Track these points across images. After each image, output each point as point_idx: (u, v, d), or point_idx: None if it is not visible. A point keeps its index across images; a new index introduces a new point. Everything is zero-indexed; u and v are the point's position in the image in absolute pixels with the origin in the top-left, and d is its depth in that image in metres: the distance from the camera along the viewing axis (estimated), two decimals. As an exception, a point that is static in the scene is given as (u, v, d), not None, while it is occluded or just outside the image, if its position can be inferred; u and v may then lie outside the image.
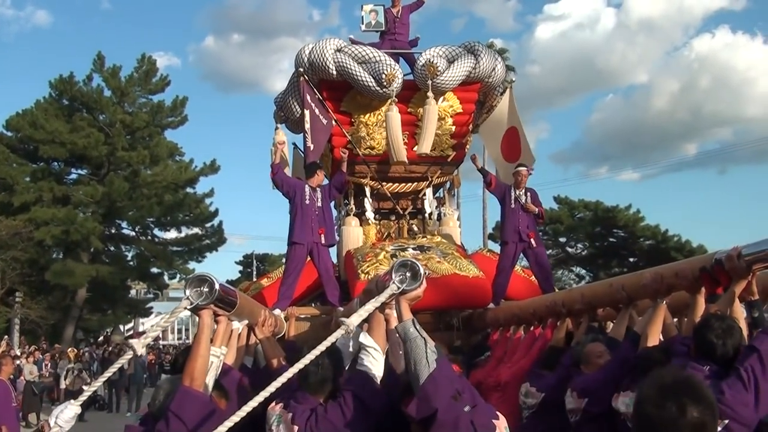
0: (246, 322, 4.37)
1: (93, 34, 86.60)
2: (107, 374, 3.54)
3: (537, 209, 8.22)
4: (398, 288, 3.01)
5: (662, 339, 4.27)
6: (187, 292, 3.10)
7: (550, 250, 39.01)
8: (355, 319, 3.03)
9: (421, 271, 3.05)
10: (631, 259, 35.37)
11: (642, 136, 76.42)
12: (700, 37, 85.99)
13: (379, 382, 3.29)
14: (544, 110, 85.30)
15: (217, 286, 3.12)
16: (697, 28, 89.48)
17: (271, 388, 2.80)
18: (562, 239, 38.70)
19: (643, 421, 1.89)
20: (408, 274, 3.05)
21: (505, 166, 9.16)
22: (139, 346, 3.02)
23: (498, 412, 3.29)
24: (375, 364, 3.29)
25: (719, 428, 2.79)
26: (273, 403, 3.34)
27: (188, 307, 3.09)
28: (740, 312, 3.67)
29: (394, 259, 7.92)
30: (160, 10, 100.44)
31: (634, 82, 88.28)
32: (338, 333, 3.02)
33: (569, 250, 39.27)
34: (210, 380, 3.56)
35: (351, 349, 3.59)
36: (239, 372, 4.02)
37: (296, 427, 3.13)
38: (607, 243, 37.16)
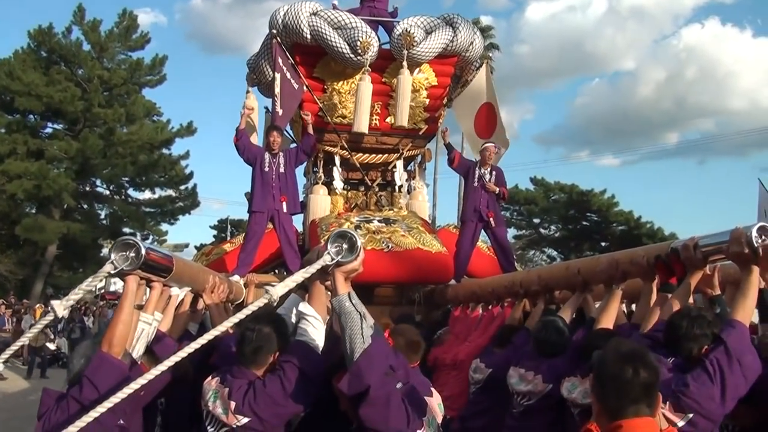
0: (188, 288, 4.26)
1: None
2: (26, 337, 3.43)
3: (498, 189, 8.10)
4: (332, 259, 2.89)
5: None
6: (112, 256, 2.98)
7: (524, 231, 39.25)
8: (280, 290, 2.94)
9: (359, 243, 2.93)
10: (603, 244, 35.59)
11: (625, 123, 76.76)
12: (689, 27, 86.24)
13: (320, 352, 3.20)
14: (529, 91, 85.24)
15: (143, 252, 3.00)
16: (687, 18, 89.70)
17: (182, 352, 2.70)
18: (536, 220, 38.88)
19: (604, 379, 2.35)
20: (345, 246, 2.93)
21: (477, 141, 9.06)
22: (60, 308, 2.89)
23: (432, 389, 3.22)
24: (315, 333, 3.19)
25: (682, 423, 2.76)
26: (210, 377, 3.24)
27: (112, 272, 2.97)
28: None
29: (358, 230, 7.86)
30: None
31: (621, 68, 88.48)
32: (260, 302, 2.92)
33: (542, 231, 39.47)
34: (141, 347, 3.47)
35: (293, 319, 3.49)
36: (174, 339, 3.91)
37: (233, 403, 3.01)
38: (580, 226, 37.39)
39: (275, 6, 8.95)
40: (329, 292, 3.17)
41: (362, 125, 8.73)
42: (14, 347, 3.17)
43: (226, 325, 2.95)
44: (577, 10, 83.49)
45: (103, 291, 34.24)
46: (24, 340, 3.47)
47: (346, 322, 2.80)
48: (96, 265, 34.97)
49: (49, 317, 3.06)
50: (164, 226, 34.05)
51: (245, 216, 8.01)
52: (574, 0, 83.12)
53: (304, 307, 3.23)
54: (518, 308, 5.59)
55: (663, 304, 3.59)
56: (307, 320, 3.18)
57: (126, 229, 33.14)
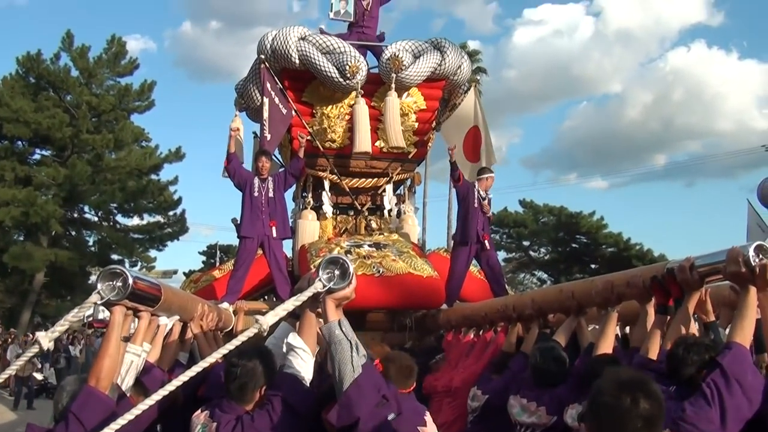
0: (177, 317, 4.17)
1: (69, 14, 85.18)
2: (12, 368, 3.33)
3: (491, 213, 8.17)
4: (324, 286, 2.82)
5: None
6: (99, 285, 2.89)
7: (513, 254, 39.26)
8: (270, 318, 2.86)
9: (351, 269, 2.86)
10: (593, 266, 35.59)
11: (613, 145, 77.24)
12: (675, 50, 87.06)
13: (308, 385, 3.12)
14: (517, 114, 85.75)
15: (130, 281, 2.91)
16: (674, 41, 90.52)
17: (170, 386, 2.62)
18: (526, 243, 38.88)
19: (599, 410, 2.13)
20: (337, 272, 2.86)
21: (466, 165, 9.03)
22: (45, 340, 2.81)
23: (426, 418, 3.14)
24: (303, 366, 3.10)
25: None
26: (199, 411, 3.16)
27: (98, 302, 2.88)
28: (695, 329, 3.56)
29: (348, 255, 7.79)
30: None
31: (608, 91, 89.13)
32: (250, 332, 2.85)
33: (532, 253, 39.45)
34: (130, 379, 3.38)
35: (284, 350, 3.41)
36: (162, 371, 3.82)
37: None
38: (569, 248, 37.39)
39: (264, 32, 8.96)
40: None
41: (364, 145, 8.71)
42: (0, 378, 3.08)
43: (215, 356, 2.87)
44: (564, 34, 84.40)
45: (90, 319, 33.77)
46: (10, 371, 3.37)
47: (336, 350, 2.73)
48: (84, 293, 34.45)
49: (35, 349, 2.98)
50: (153, 253, 33.73)
51: (234, 242, 7.96)
52: (560, 24, 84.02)
53: (293, 338, 3.15)
54: (513, 333, 5.51)
55: (661, 326, 3.53)
56: (296, 352, 3.10)
57: (114, 256, 32.84)
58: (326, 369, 3.26)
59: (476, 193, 8.07)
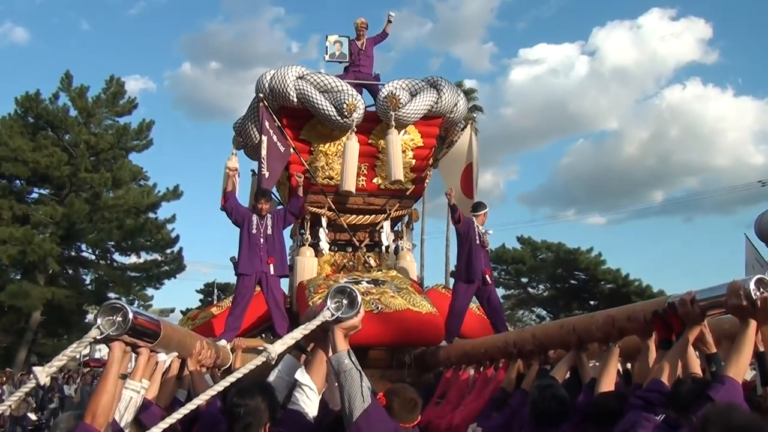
0: (175, 354, 4.15)
1: (69, 55, 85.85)
2: (6, 405, 3.30)
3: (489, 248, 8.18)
4: (332, 315, 2.82)
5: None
6: (99, 320, 2.88)
7: (512, 290, 39.16)
8: (277, 347, 2.85)
9: (359, 298, 2.86)
10: (592, 302, 35.47)
11: (610, 182, 77.38)
12: (671, 88, 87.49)
13: (312, 422, 3.09)
14: (515, 151, 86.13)
15: (130, 316, 2.89)
16: (669, 79, 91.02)
17: (170, 419, 2.60)
18: (524, 279, 38.80)
19: None
20: (344, 301, 2.86)
21: (464, 201, 9.06)
22: (43, 375, 2.79)
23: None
24: (309, 403, 3.08)
25: None
26: None
27: (98, 337, 2.87)
28: (695, 360, 3.55)
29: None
30: (139, 35, 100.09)
31: (605, 128, 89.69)
32: (258, 360, 2.84)
33: (531, 290, 39.35)
34: (129, 416, 3.35)
35: (288, 385, 3.39)
36: (160, 408, 3.79)
37: None
38: (568, 285, 37.33)
39: (262, 72, 9.06)
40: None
41: (349, 184, 8.74)
42: None
43: (223, 385, 2.85)
44: (560, 72, 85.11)
45: (87, 358, 33.64)
46: (4, 407, 3.33)
47: (345, 379, 2.71)
48: (81, 332, 34.18)
49: (31, 384, 2.96)
50: (150, 291, 33.68)
51: (232, 279, 7.93)
52: (556, 63, 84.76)
53: (300, 375, 3.14)
54: (513, 369, 5.45)
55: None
56: (302, 389, 3.09)
57: (111, 294, 32.67)
58: (328, 405, 3.25)
59: (476, 229, 8.09)
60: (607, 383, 3.97)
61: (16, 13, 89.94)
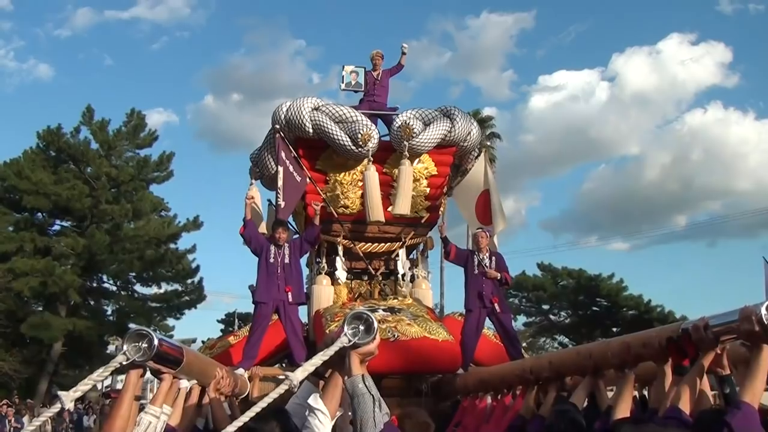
0: (195, 381, 4.20)
1: (92, 90, 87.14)
2: (31, 427, 3.29)
3: (499, 275, 8.09)
4: (349, 341, 2.86)
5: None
6: (125, 346, 2.94)
7: (533, 318, 38.85)
8: (299, 374, 2.89)
9: (375, 324, 2.89)
10: (615, 329, 35.10)
11: (632, 207, 76.67)
12: (692, 112, 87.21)
13: None
14: (536, 178, 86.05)
15: (155, 342, 2.95)
16: (690, 103, 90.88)
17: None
18: (546, 307, 38.52)
19: None
20: (361, 327, 2.90)
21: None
22: (68, 399, 2.85)
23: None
24: (321, 428, 3.11)
25: None
26: None
27: (124, 362, 2.93)
28: (707, 385, 3.55)
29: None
30: (162, 69, 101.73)
31: (626, 153, 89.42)
32: (280, 389, 2.86)
33: (552, 317, 39.04)
34: None
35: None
36: None
37: None
38: (590, 312, 37.02)
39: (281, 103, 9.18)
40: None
41: (378, 213, 8.85)
42: None
43: (255, 411, 2.86)
44: (580, 99, 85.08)
45: (108, 389, 33.68)
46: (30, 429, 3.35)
47: (358, 404, 2.73)
48: (102, 363, 34.26)
49: (56, 408, 3.01)
50: (171, 321, 33.86)
51: (252, 309, 8.00)
52: (576, 89, 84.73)
53: (313, 400, 3.17)
54: (531, 396, 5.43)
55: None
56: (315, 414, 3.11)
57: (132, 325, 32.91)
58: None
59: (476, 257, 8.11)
60: (623, 409, 3.96)
61: (40, 50, 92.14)
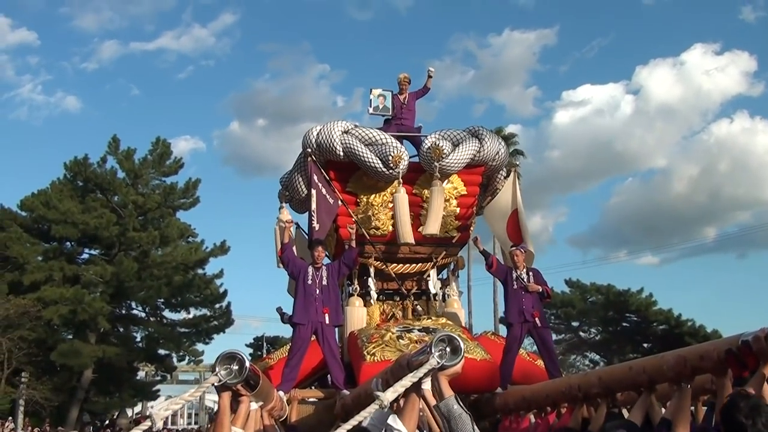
0: (260, 403, 4.25)
1: (120, 120, 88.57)
2: None
3: (540, 288, 8.07)
4: (438, 363, 2.92)
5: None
6: (217, 368, 3.02)
7: (563, 335, 38.49)
8: (389, 395, 2.94)
9: (462, 345, 2.96)
10: (645, 345, 34.74)
11: (661, 220, 75.92)
12: (718, 122, 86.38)
13: None
14: (563, 194, 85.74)
15: (247, 365, 3.05)
16: (716, 114, 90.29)
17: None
18: (575, 323, 38.17)
19: None
20: (447, 349, 2.97)
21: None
22: (159, 417, 2.92)
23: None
24: None
25: None
26: None
27: (216, 384, 3.01)
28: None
29: (400, 340, 7.84)
30: (187, 97, 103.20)
31: (653, 166, 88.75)
32: (372, 408, 2.91)
33: (582, 334, 38.68)
34: None
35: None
36: None
37: None
38: (620, 327, 36.61)
39: (308, 127, 9.31)
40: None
41: (407, 235, 8.90)
42: None
43: (346, 427, 2.89)
44: (605, 113, 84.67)
45: (138, 415, 33.77)
46: None
47: (457, 425, 2.80)
48: (133, 389, 34.87)
49: (145, 425, 3.07)
50: (200, 346, 33.92)
51: (281, 333, 8.07)
52: (600, 104, 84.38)
53: (393, 420, 3.22)
54: (579, 412, 5.39)
55: None
56: None
57: (162, 351, 33.15)
58: None
59: (514, 274, 8.13)
60: (684, 424, 3.95)
61: (67, 83, 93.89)
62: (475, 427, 2.80)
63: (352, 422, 2.90)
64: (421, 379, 2.98)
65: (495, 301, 33.30)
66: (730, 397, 3.30)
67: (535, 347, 9.30)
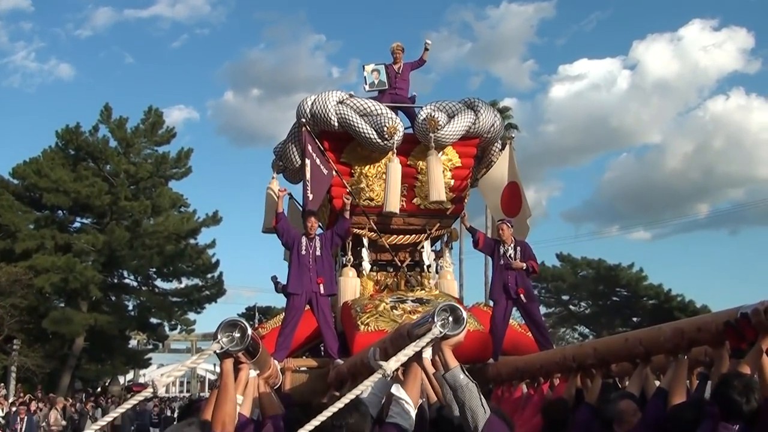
0: (258, 372, 4.26)
1: (113, 88, 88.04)
2: (121, 410, 3.31)
3: (524, 265, 7.98)
4: (441, 332, 2.92)
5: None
6: (219, 335, 3.00)
7: (553, 308, 38.74)
8: (393, 364, 2.95)
9: (464, 315, 2.96)
10: (635, 319, 35.02)
11: (655, 196, 76.05)
12: (714, 99, 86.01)
13: None
14: (557, 168, 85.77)
15: (249, 332, 3.03)
16: (712, 90, 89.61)
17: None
18: (565, 297, 38.45)
19: None
20: (450, 319, 2.96)
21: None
22: (161, 384, 2.93)
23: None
24: (406, 418, 3.17)
25: None
26: None
27: (218, 351, 3.00)
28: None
29: (394, 311, 7.88)
30: (182, 66, 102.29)
31: (647, 141, 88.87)
32: (374, 377, 2.90)
33: (572, 308, 38.97)
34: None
35: (379, 400, 3.44)
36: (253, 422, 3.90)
37: None
38: (610, 302, 36.93)
39: (303, 97, 9.26)
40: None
41: (393, 205, 8.88)
42: (108, 418, 3.12)
43: (344, 402, 2.85)
44: (601, 87, 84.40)
45: (131, 383, 33.89)
46: (115, 415, 3.28)
47: (464, 394, 2.79)
48: (125, 357, 34.99)
49: (148, 392, 3.07)
50: (192, 316, 34.08)
51: (273, 302, 8.12)
52: (596, 78, 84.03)
53: (396, 389, 3.21)
54: (573, 383, 5.43)
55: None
56: (400, 404, 3.16)
57: (153, 319, 33.28)
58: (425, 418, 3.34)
59: (501, 248, 8.11)
60: (680, 394, 3.99)
61: (60, 50, 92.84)
62: (482, 396, 2.81)
63: (356, 391, 2.90)
64: (423, 348, 2.99)
65: (486, 274, 33.46)
66: (724, 376, 3.35)
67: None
